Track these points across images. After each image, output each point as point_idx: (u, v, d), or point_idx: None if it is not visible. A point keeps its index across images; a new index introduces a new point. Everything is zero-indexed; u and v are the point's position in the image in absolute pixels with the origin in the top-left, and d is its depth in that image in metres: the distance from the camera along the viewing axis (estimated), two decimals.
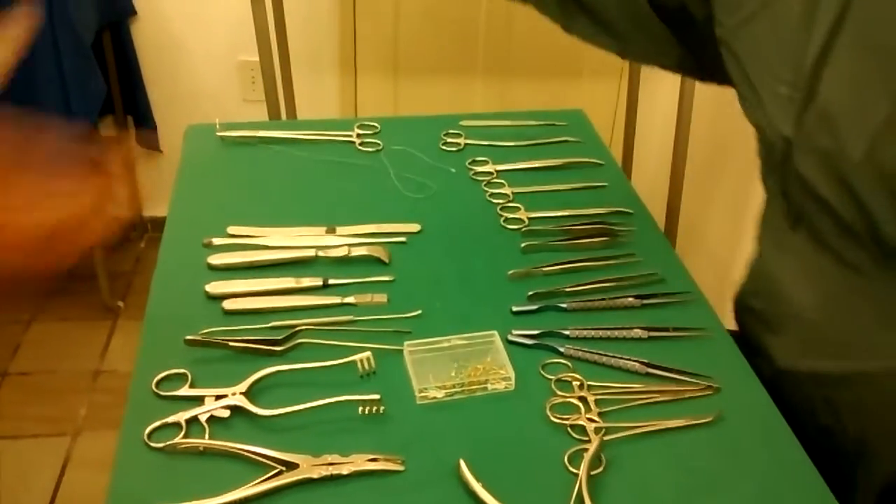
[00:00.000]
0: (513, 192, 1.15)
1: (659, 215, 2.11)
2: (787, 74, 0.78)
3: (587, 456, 0.77)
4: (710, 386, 0.88)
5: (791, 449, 0.83)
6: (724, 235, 2.24)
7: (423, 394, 0.85)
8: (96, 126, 2.00)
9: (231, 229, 1.06)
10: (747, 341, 0.97)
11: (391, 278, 1.00)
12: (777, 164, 0.83)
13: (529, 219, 1.10)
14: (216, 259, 1.01)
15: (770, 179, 0.90)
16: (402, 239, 1.06)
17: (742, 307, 1.01)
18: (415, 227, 1.08)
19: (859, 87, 0.73)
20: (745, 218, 2.11)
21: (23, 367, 2.07)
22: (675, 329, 0.94)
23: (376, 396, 0.83)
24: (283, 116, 2.16)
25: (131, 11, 2.22)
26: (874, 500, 0.88)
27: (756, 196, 0.96)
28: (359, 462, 0.77)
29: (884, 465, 0.86)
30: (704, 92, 1.82)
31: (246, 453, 0.78)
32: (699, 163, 2.16)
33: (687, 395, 0.87)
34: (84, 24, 1.94)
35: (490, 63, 2.34)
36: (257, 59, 1.84)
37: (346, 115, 2.40)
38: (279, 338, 0.90)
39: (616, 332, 0.93)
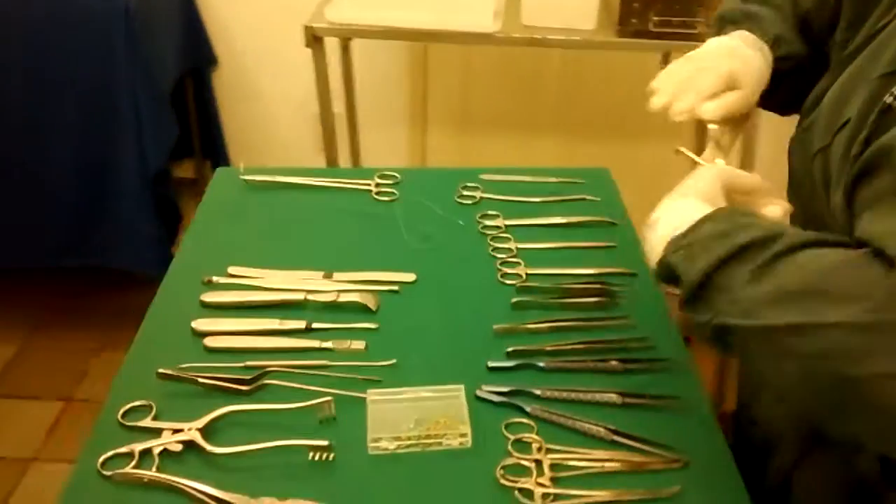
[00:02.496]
0: (517, 248, 1.14)
1: None
2: None
3: None
4: (677, 460, 0.83)
5: None
6: None
7: (375, 444, 0.84)
8: (167, 169, 2.08)
9: (232, 269, 1.08)
10: None
11: (375, 326, 1.00)
12: None
13: (527, 275, 1.09)
14: (209, 297, 1.03)
15: None
16: (395, 288, 1.06)
17: None
18: (410, 277, 1.08)
19: None
20: None
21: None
22: (652, 397, 0.90)
23: (325, 443, 0.82)
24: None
25: (213, 60, 2.33)
26: None
27: None
28: None
29: None
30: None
31: (186, 489, 0.79)
32: None
33: (650, 467, 0.82)
34: (162, 70, 2.04)
35: (557, 120, 2.34)
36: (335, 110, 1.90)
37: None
38: (248, 377, 0.91)
39: (589, 395, 0.90)
